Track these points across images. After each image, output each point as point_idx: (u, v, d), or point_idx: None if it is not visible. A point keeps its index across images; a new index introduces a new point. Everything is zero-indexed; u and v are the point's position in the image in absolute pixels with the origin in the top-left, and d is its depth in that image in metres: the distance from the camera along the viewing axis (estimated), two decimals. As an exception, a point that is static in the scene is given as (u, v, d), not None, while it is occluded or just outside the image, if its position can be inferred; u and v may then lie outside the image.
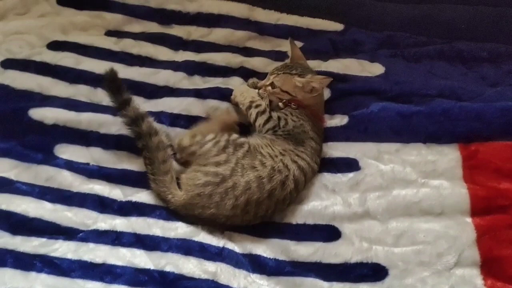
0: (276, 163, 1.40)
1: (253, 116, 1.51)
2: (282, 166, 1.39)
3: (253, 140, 1.48)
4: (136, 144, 1.45)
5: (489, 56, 1.76)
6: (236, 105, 1.59)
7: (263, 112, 1.51)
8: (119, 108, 1.46)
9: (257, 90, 1.57)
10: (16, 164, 1.47)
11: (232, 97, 1.60)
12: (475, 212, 1.40)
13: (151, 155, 1.42)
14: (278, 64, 1.77)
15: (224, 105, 1.63)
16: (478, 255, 1.34)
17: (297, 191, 1.43)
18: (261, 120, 1.50)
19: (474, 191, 1.42)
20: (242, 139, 1.45)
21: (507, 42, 1.78)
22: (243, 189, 1.35)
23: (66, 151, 1.52)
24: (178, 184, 1.43)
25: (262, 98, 1.55)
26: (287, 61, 1.63)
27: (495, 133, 1.49)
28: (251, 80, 1.69)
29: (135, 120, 1.44)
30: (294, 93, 1.52)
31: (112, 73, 1.48)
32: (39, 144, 1.52)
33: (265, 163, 1.39)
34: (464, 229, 1.37)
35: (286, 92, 1.52)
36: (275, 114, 1.51)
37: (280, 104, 1.54)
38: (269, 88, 1.53)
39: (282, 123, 1.49)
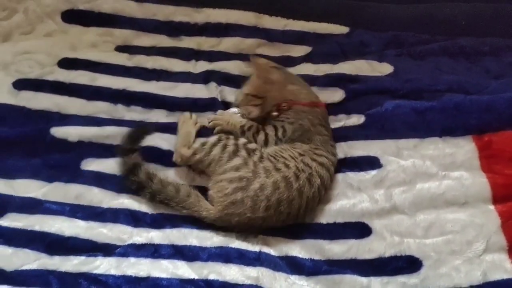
0: (298, 163, 1.43)
1: (251, 139, 1.53)
2: (304, 166, 1.43)
3: (270, 148, 1.50)
4: (141, 195, 1.43)
5: (491, 49, 1.85)
6: (228, 133, 1.56)
7: (257, 132, 1.54)
8: (123, 154, 1.47)
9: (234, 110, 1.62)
10: (43, 184, 1.46)
11: (220, 128, 1.58)
12: (496, 199, 1.46)
13: (163, 197, 1.41)
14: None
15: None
16: (505, 240, 1.39)
17: (324, 187, 1.46)
18: (260, 140, 1.52)
19: (493, 180, 1.48)
20: (253, 145, 1.48)
21: (505, 35, 1.88)
22: (272, 189, 1.37)
23: (93, 166, 1.51)
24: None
25: (243, 115, 1.59)
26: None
27: (506, 123, 1.56)
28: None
29: (133, 169, 1.43)
30: (263, 91, 1.57)
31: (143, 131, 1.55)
32: (64, 162, 1.51)
33: (288, 164, 1.42)
34: (489, 217, 1.43)
35: (255, 96, 1.58)
36: (269, 127, 1.54)
37: (274, 113, 1.58)
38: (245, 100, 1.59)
39: (280, 132, 1.52)
